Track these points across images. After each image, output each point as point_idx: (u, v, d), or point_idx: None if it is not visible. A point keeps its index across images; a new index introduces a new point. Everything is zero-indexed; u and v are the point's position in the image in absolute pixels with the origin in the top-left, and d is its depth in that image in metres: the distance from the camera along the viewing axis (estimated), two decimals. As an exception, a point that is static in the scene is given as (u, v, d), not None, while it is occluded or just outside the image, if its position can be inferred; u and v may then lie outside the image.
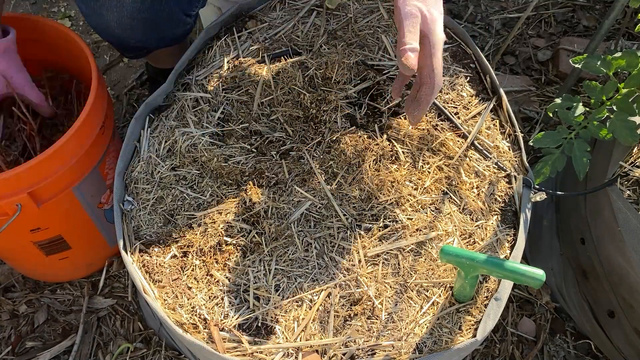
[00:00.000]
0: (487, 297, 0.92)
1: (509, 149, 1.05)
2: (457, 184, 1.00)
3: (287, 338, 0.87)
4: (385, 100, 1.04)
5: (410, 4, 0.81)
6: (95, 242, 1.28)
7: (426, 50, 0.82)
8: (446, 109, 1.06)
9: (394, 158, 1.00)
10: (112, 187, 1.17)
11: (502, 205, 1.00)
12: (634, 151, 1.10)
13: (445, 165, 1.00)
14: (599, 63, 1.01)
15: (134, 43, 1.16)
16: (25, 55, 1.07)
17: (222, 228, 0.94)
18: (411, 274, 0.92)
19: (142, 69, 1.73)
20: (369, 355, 0.87)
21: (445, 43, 1.14)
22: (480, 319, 0.89)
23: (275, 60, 1.08)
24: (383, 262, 0.93)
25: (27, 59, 1.08)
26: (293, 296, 0.90)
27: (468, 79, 1.10)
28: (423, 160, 1.00)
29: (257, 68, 1.06)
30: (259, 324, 0.89)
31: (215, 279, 0.92)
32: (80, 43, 1.11)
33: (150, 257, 0.95)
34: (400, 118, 1.03)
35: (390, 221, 0.95)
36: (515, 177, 1.02)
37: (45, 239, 1.16)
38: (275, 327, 0.88)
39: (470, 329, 0.89)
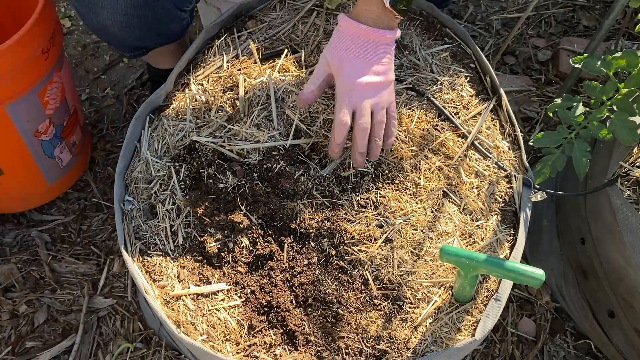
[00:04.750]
0: (487, 297, 0.92)
1: (509, 149, 1.05)
2: (457, 184, 1.00)
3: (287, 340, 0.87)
4: None
5: (342, 110, 0.88)
6: (31, 173, 1.26)
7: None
8: (446, 109, 1.06)
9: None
10: (52, 118, 1.18)
11: (502, 205, 1.00)
12: (634, 151, 1.09)
13: (445, 165, 1.00)
14: (599, 63, 1.01)
15: (131, 41, 1.16)
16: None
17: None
18: (411, 274, 0.92)
19: (142, 69, 1.73)
20: (368, 355, 0.87)
21: (445, 43, 1.14)
22: (480, 319, 0.89)
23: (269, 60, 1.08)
24: (383, 262, 0.93)
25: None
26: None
27: (468, 79, 1.10)
28: (423, 160, 1.00)
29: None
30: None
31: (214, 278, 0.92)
32: None
33: (151, 257, 0.95)
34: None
35: (389, 223, 0.95)
36: (515, 177, 1.02)
37: None
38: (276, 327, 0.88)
39: (469, 328, 0.89)
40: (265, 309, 0.92)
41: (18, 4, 1.26)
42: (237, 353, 0.87)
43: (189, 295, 0.91)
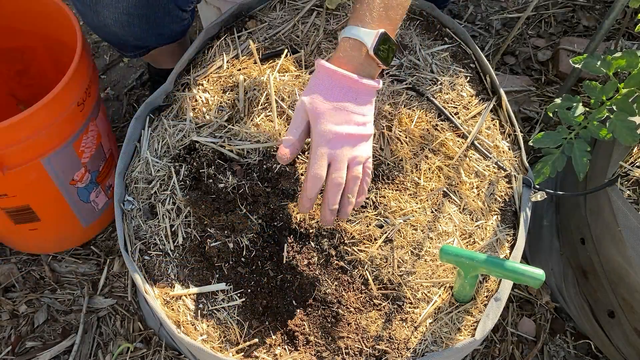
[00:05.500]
0: (487, 297, 0.92)
1: (509, 149, 1.05)
2: (457, 184, 1.00)
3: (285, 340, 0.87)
4: None
5: (318, 162, 0.81)
6: (67, 218, 1.27)
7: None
8: (446, 109, 1.06)
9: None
10: (87, 165, 1.18)
11: (502, 205, 1.00)
12: (634, 151, 1.09)
13: (445, 165, 1.00)
14: (599, 63, 1.01)
15: (133, 41, 1.16)
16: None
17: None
18: (411, 274, 0.92)
19: (142, 69, 1.73)
20: (368, 355, 0.87)
21: (445, 43, 1.14)
22: (480, 319, 0.89)
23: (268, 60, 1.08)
24: (383, 262, 0.93)
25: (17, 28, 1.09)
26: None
27: (468, 79, 1.10)
28: (423, 160, 1.00)
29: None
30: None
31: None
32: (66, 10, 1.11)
33: (151, 257, 0.95)
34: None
35: (389, 223, 0.95)
36: (515, 177, 1.02)
37: (12, 206, 1.16)
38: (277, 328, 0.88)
39: (469, 328, 0.89)
40: (265, 309, 0.92)
41: (57, 47, 1.24)
42: (237, 353, 0.87)
43: (189, 295, 0.91)
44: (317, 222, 0.94)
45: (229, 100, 1.03)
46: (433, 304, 0.90)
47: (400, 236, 0.95)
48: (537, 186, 1.00)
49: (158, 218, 0.97)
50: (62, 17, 1.11)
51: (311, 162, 0.82)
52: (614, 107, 0.98)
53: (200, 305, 0.91)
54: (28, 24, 1.23)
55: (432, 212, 0.97)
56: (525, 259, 1.33)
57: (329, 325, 0.89)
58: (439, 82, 1.08)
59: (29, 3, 1.18)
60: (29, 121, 1.00)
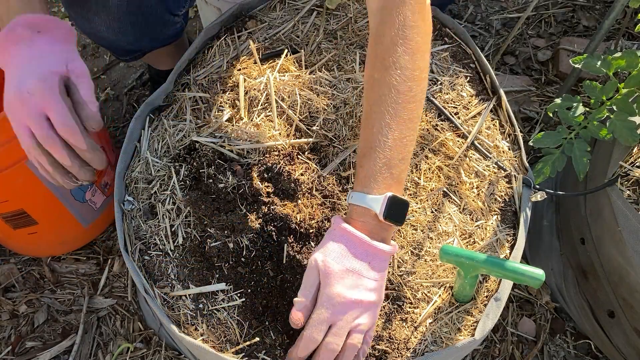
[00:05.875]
0: (487, 297, 0.92)
1: (509, 149, 1.05)
2: (457, 184, 1.00)
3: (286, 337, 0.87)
4: None
5: (317, 326, 0.76)
6: (65, 220, 1.27)
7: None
8: (446, 109, 1.06)
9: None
10: None
11: (502, 205, 1.00)
12: (634, 151, 1.09)
13: (445, 165, 1.00)
14: (599, 63, 1.01)
15: (126, 45, 1.16)
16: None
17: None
18: (411, 274, 0.92)
19: (142, 69, 1.73)
20: (368, 355, 0.87)
21: (445, 43, 1.14)
22: (480, 319, 0.89)
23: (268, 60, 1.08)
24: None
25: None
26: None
27: (468, 79, 1.10)
28: (423, 160, 1.00)
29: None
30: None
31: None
32: None
33: (151, 257, 0.95)
34: None
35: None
36: (515, 176, 1.02)
37: (7, 212, 1.16)
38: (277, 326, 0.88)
39: (469, 328, 0.89)
40: (265, 309, 0.92)
41: None
42: (237, 353, 0.87)
43: (189, 295, 0.91)
44: (317, 222, 0.94)
45: (229, 100, 1.03)
46: (433, 304, 0.90)
47: (400, 236, 0.94)
48: (537, 186, 1.01)
49: (158, 218, 0.97)
50: None
51: (311, 322, 0.77)
52: (614, 107, 0.98)
53: (200, 305, 0.91)
54: None
55: (432, 212, 0.97)
56: (525, 259, 1.33)
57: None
58: (439, 82, 1.08)
59: None
60: (6, 124, 0.97)
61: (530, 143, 1.02)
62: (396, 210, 0.78)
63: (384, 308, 0.90)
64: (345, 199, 0.95)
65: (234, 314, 0.90)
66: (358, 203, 0.78)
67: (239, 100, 1.02)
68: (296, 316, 0.77)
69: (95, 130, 0.82)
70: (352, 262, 0.77)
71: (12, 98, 0.78)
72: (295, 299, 0.79)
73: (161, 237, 0.96)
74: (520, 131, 1.06)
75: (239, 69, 1.07)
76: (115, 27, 1.07)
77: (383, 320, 0.89)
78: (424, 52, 0.81)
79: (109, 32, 1.08)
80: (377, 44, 0.80)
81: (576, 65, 1.03)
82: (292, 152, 0.97)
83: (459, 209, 0.98)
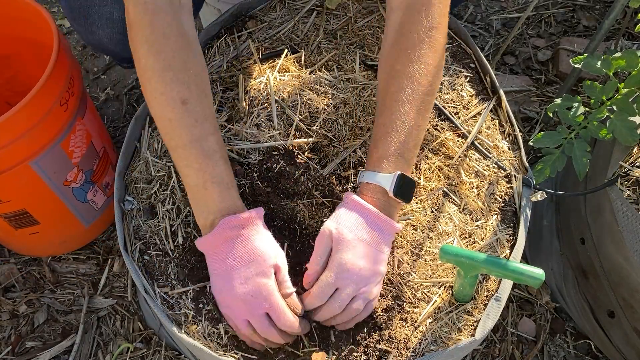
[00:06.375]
0: (487, 297, 0.92)
1: (509, 149, 1.05)
2: (457, 183, 1.00)
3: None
4: None
5: (324, 289, 0.82)
6: (66, 220, 1.27)
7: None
8: (446, 109, 1.06)
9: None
10: (79, 165, 1.18)
11: (502, 205, 1.00)
12: (634, 151, 1.09)
13: (445, 165, 1.00)
14: (599, 63, 1.01)
15: (128, 55, 1.17)
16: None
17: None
18: (411, 273, 0.92)
19: (142, 69, 1.73)
20: (369, 355, 0.87)
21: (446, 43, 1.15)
22: (480, 319, 0.89)
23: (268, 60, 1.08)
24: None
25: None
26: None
27: (468, 79, 1.10)
28: (423, 160, 1.00)
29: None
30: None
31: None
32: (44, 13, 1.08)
33: (151, 257, 0.95)
34: None
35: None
36: (515, 176, 1.02)
37: (10, 212, 1.16)
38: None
39: (469, 328, 0.89)
40: (265, 309, 0.92)
41: (41, 50, 1.21)
42: (237, 353, 0.87)
43: (189, 294, 0.91)
44: (317, 222, 0.94)
45: (229, 100, 1.03)
46: (433, 304, 0.90)
47: (400, 236, 0.95)
48: (537, 186, 1.01)
49: (158, 218, 0.97)
50: (40, 20, 1.10)
51: (318, 282, 0.83)
52: (614, 107, 0.98)
53: (200, 305, 0.90)
54: (8, 30, 1.22)
55: (432, 211, 0.97)
56: (525, 259, 1.33)
57: (329, 326, 0.89)
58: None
59: (4, 9, 1.17)
60: (9, 125, 0.98)
61: (530, 143, 1.02)
62: (405, 188, 0.84)
63: (380, 305, 0.90)
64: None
65: (234, 313, 0.90)
66: (369, 180, 0.84)
67: (239, 100, 1.02)
68: (310, 279, 0.84)
69: (298, 314, 0.85)
70: (364, 232, 0.82)
71: (233, 300, 0.82)
72: (307, 265, 0.84)
73: (161, 237, 0.96)
74: (520, 131, 1.07)
75: (239, 69, 1.07)
76: (118, 39, 1.08)
77: (383, 320, 0.89)
78: (443, 52, 0.88)
79: (112, 44, 1.09)
80: (402, 38, 0.85)
81: (576, 65, 1.03)
82: (292, 152, 0.97)
83: (459, 208, 0.98)
